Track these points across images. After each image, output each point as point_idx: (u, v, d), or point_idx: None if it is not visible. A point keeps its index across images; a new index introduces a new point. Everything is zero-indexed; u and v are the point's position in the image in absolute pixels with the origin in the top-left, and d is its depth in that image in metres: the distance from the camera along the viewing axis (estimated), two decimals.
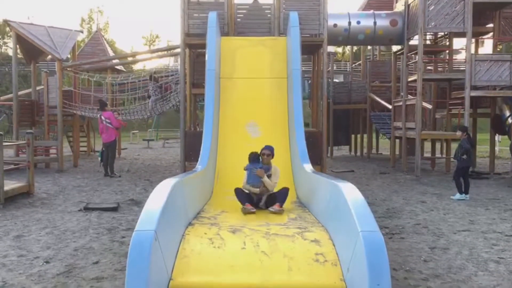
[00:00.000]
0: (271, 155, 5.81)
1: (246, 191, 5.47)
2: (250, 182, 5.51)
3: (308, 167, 6.39)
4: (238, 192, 5.59)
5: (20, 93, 14.42)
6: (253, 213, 5.23)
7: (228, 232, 4.14)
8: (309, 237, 4.05)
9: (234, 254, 3.72)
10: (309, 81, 16.31)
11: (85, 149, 18.03)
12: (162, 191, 3.81)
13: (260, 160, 5.73)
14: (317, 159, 9.07)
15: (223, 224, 4.53)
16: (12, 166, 8.94)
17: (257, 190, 5.49)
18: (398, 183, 10.90)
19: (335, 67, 22.96)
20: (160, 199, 3.61)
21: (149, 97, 12.53)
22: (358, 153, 19.69)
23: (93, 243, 5.32)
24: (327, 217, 4.47)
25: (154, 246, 3.12)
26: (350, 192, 3.86)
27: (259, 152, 5.77)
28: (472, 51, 12.51)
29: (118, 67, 17.10)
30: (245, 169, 5.64)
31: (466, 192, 8.81)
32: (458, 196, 8.79)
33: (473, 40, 13.86)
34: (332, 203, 4.27)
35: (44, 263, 4.61)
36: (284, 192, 5.60)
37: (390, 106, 15.12)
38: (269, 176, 5.70)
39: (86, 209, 7.20)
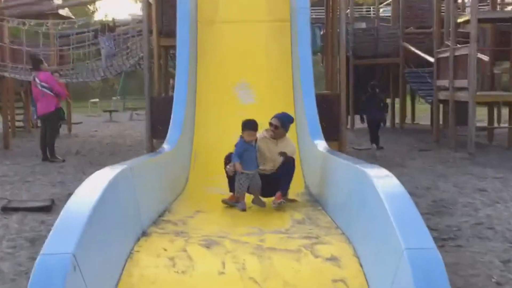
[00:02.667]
0: (283, 127, 5.69)
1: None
2: (246, 168, 5.36)
3: (321, 144, 6.38)
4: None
5: None
6: (245, 210, 5.31)
7: (201, 247, 3.90)
8: (322, 252, 3.77)
9: (206, 284, 3.47)
10: (322, 31, 15.72)
11: (23, 124, 18.06)
12: (92, 189, 3.43)
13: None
14: (333, 133, 9.05)
15: (194, 233, 4.31)
16: None
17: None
18: (444, 164, 10.67)
19: (355, 14, 22.39)
20: (88, 202, 3.20)
21: (99, 54, 12.21)
22: (388, 123, 19.24)
23: (3, 263, 4.76)
24: (349, 219, 4.22)
25: (72, 278, 2.70)
26: (385, 182, 3.59)
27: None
28: None
29: (62, 12, 16.58)
30: (236, 148, 5.43)
31: None
32: None
33: None
34: (357, 198, 4.06)
35: None
36: (287, 168, 5.50)
37: (431, 59, 14.86)
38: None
39: (5, 209, 6.83)
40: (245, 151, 5.37)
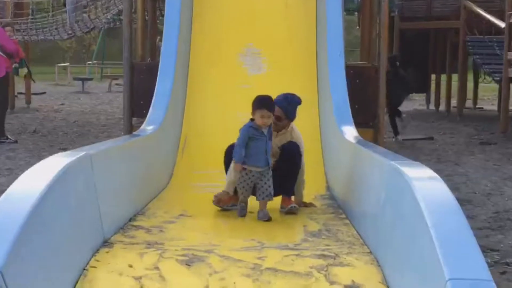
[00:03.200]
0: (288, 117, 5.59)
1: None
2: (251, 162, 5.19)
3: (350, 132, 6.42)
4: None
5: None
6: (244, 216, 5.27)
7: (179, 264, 3.87)
8: (341, 277, 3.73)
9: None
10: None
11: None
12: (32, 184, 3.41)
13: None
14: (368, 118, 9.13)
15: (172, 245, 4.28)
16: None
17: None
18: None
19: None
20: (24, 202, 3.16)
21: (64, 4, 12.18)
22: (442, 107, 19.47)
23: None
24: (379, 235, 4.19)
25: None
26: (428, 187, 3.57)
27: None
28: None
29: None
30: (240, 135, 5.27)
31: None
32: None
33: None
34: (391, 206, 4.04)
35: None
36: (288, 165, 5.45)
37: (502, 24, 14.81)
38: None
39: None
40: (252, 140, 5.12)
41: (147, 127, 6.52)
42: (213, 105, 7.65)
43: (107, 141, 6.03)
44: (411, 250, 3.38)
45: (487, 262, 5.44)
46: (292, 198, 5.49)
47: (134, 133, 6.69)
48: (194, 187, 6.34)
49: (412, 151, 11.39)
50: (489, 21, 15.94)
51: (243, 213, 5.21)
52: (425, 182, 3.65)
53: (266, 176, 5.12)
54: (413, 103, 22.65)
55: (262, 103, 5.11)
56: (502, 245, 6.09)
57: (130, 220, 4.91)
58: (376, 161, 4.77)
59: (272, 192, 5.13)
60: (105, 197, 4.38)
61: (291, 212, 5.28)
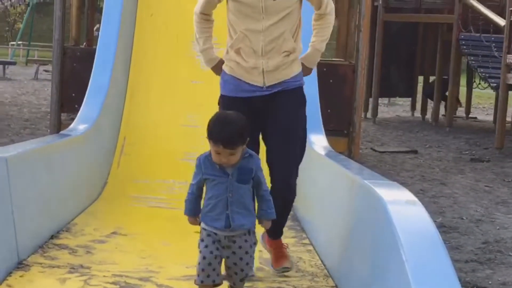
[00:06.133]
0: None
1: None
2: (207, 221, 3.88)
3: (320, 141, 6.56)
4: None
5: None
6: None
7: None
8: None
9: None
10: None
11: None
12: None
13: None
14: (342, 125, 9.29)
15: (100, 270, 4.31)
16: None
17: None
18: (507, 184, 10.64)
19: None
20: None
21: None
22: (429, 115, 19.40)
23: None
24: (347, 266, 4.29)
25: None
26: (406, 215, 3.64)
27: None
28: None
29: None
30: (194, 172, 4.08)
31: None
32: None
33: None
34: (361, 234, 4.14)
35: None
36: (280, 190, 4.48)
37: (502, 22, 14.83)
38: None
39: None
40: (209, 182, 3.90)
41: (78, 125, 6.52)
42: (158, 103, 7.67)
43: (28, 141, 5.98)
44: (382, 285, 3.44)
45: None
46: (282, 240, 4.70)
47: (62, 132, 6.67)
48: (132, 199, 6.37)
49: (392, 166, 11.42)
50: (487, 17, 16.08)
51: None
52: (401, 206, 3.73)
53: (242, 246, 3.84)
54: (396, 108, 22.65)
55: (216, 133, 3.79)
56: (490, 282, 6.12)
57: (51, 237, 4.90)
58: (347, 179, 4.84)
59: (251, 272, 4.04)
60: (22, 209, 4.36)
61: (286, 270, 4.48)
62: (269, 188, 4.20)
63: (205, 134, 7.02)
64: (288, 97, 4.58)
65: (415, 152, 13.16)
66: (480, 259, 6.71)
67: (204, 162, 3.85)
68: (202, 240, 3.78)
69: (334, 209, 5.01)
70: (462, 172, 11.44)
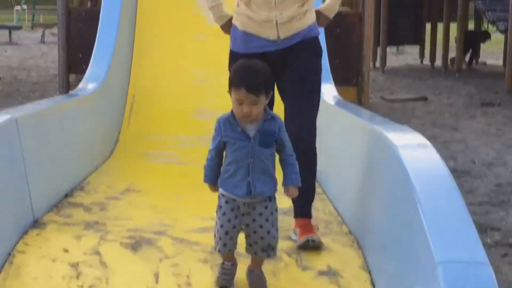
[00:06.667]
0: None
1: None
2: (226, 187, 3.60)
3: (329, 91, 6.55)
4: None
5: None
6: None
7: (123, 248, 3.96)
8: (316, 262, 3.82)
9: None
10: None
11: None
12: None
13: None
14: (351, 75, 9.22)
15: (115, 226, 4.33)
16: None
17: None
18: None
19: None
20: None
21: None
22: (438, 62, 19.44)
23: None
24: (360, 213, 4.29)
25: None
26: (416, 156, 3.65)
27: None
28: None
29: None
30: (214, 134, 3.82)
31: None
32: None
33: None
34: (373, 180, 4.12)
35: None
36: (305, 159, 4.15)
37: None
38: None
39: None
40: (229, 147, 3.61)
41: (87, 85, 6.51)
42: (165, 60, 7.61)
43: (37, 102, 5.99)
44: (396, 229, 3.44)
45: (487, 243, 5.51)
46: (312, 221, 4.32)
47: (71, 92, 6.68)
48: (144, 156, 6.36)
49: (403, 114, 11.42)
50: None
51: (226, 281, 3.63)
52: (414, 150, 3.71)
53: (262, 212, 3.59)
54: (405, 57, 22.60)
55: (239, 77, 3.53)
56: (504, 223, 6.15)
57: (66, 196, 4.92)
58: (358, 125, 4.84)
59: (275, 243, 3.61)
60: (35, 169, 4.39)
61: (308, 245, 4.09)
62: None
63: (214, 88, 7.10)
64: (305, 49, 4.39)
65: (425, 99, 13.19)
66: (493, 201, 6.79)
67: (224, 124, 3.55)
68: (220, 206, 3.56)
69: (346, 157, 5.01)
70: (473, 117, 11.48)
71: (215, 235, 3.54)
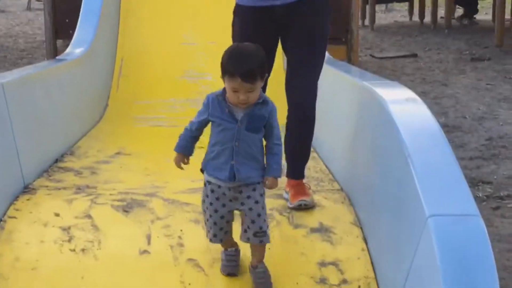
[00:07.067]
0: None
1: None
2: (209, 170, 3.50)
3: None
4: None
5: None
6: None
7: (114, 211, 3.96)
8: (306, 219, 3.83)
9: (120, 270, 3.52)
10: None
11: None
12: None
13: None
14: (339, 32, 9.16)
15: (106, 189, 4.34)
16: None
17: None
18: (509, 81, 10.69)
19: None
20: None
21: None
22: (428, 18, 19.32)
23: None
24: (351, 170, 4.30)
25: None
26: (406, 111, 3.64)
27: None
28: None
29: None
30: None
31: None
32: None
33: None
34: (363, 135, 4.12)
35: None
36: (302, 123, 4.27)
37: None
38: None
39: None
40: (217, 125, 3.45)
41: (74, 50, 6.44)
42: (153, 23, 7.54)
43: (24, 67, 5.95)
44: (387, 185, 3.45)
45: (478, 197, 5.53)
46: (305, 181, 4.26)
47: (58, 57, 6.60)
48: (134, 120, 6.33)
49: (393, 71, 11.43)
50: None
51: (231, 271, 3.54)
52: (404, 106, 3.71)
53: (250, 195, 3.45)
54: (393, 14, 22.47)
55: (233, 66, 3.32)
56: (495, 177, 6.23)
57: (56, 161, 4.91)
58: (347, 82, 4.82)
59: (266, 226, 3.46)
60: (24, 134, 4.37)
61: (301, 208, 4.02)
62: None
63: (203, 51, 7.06)
64: (313, 5, 4.20)
65: (415, 55, 13.21)
66: (485, 155, 6.88)
67: (213, 102, 3.40)
68: (206, 196, 3.45)
69: (336, 115, 4.98)
70: (463, 72, 11.50)
71: (205, 223, 3.49)
